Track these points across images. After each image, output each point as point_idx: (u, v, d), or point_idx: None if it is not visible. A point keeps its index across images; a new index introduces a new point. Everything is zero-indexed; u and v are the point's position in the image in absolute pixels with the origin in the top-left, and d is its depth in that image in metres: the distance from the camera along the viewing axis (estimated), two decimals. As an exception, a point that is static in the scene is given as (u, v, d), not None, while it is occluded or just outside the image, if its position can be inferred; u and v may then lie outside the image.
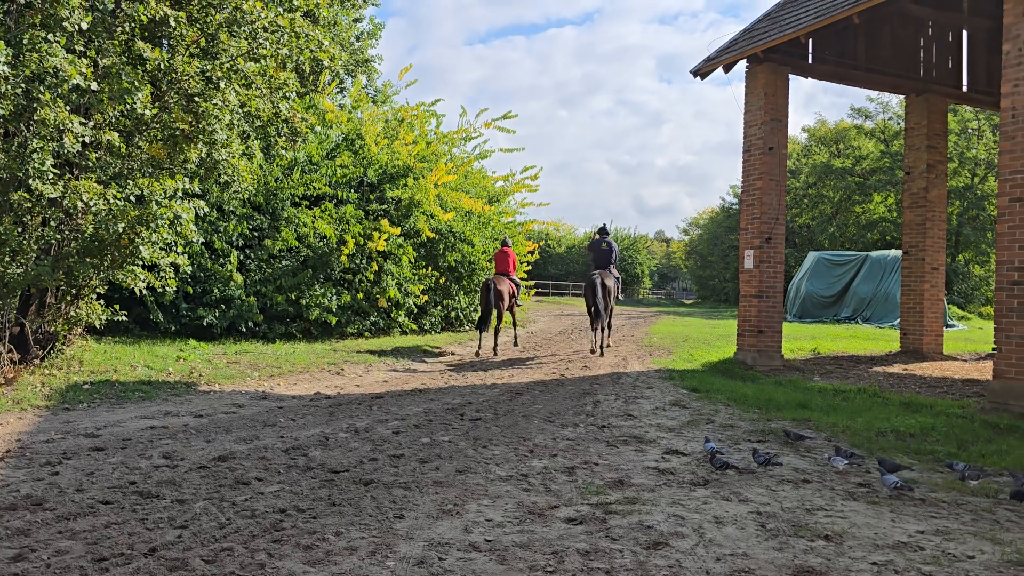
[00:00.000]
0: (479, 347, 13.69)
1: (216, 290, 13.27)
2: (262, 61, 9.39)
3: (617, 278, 14.36)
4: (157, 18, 8.32)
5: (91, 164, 8.70)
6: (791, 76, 12.05)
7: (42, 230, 8.54)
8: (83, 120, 7.95)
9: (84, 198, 8.13)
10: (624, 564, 3.68)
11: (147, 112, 8.34)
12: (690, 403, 8.59)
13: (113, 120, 8.58)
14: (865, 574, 3.60)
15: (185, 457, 5.67)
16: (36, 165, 7.58)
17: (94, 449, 5.88)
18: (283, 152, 11.25)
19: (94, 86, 7.73)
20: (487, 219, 18.72)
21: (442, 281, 17.40)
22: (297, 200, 14.98)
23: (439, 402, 8.47)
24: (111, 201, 8.43)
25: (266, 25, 9.17)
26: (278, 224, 14.44)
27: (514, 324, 15.53)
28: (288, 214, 14.48)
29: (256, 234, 14.31)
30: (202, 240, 13.10)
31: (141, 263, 9.36)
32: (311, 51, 9.80)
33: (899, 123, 37.00)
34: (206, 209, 10.13)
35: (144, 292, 10.78)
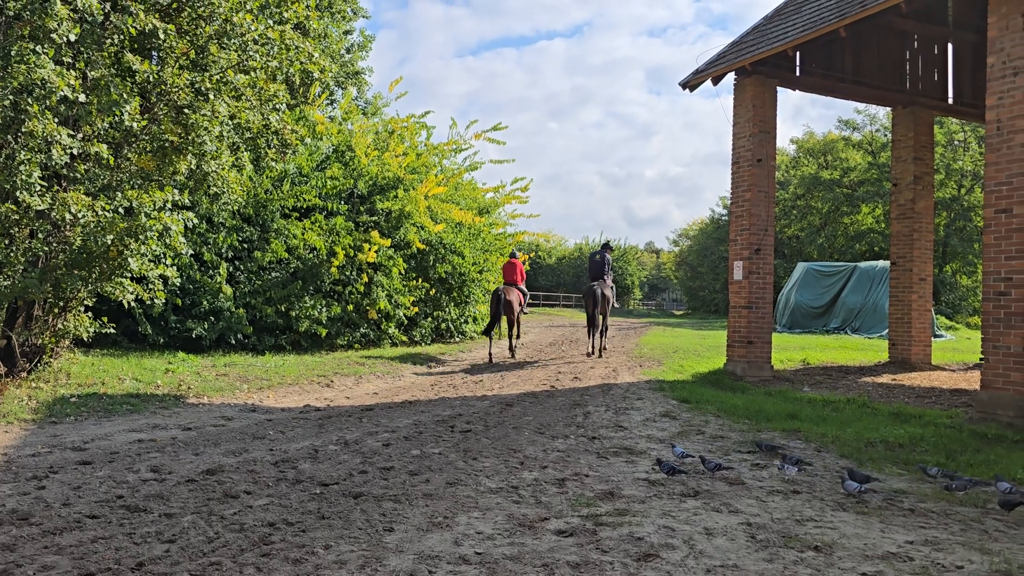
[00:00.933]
0: (490, 352, 14.70)
1: (205, 302, 13.21)
2: (252, 73, 9.39)
3: (612, 287, 15.64)
4: (146, 30, 8.31)
5: (80, 176, 8.67)
6: (779, 88, 12.15)
7: (30, 242, 8.49)
8: (71, 132, 7.92)
9: (72, 210, 8.09)
10: (615, 576, 3.67)
11: (136, 124, 8.32)
12: (680, 414, 8.60)
13: (102, 132, 8.55)
14: (855, 585, 3.60)
15: (173, 471, 5.63)
16: (24, 177, 7.54)
17: (81, 463, 5.83)
18: (273, 164, 11.22)
19: (82, 98, 7.71)
20: (477, 230, 18.74)
21: (432, 293, 17.40)
22: (287, 212, 14.95)
23: (429, 414, 8.45)
24: (99, 213, 8.40)
25: (256, 37, 9.18)
26: (268, 236, 14.41)
27: (517, 335, 15.86)
28: (278, 226, 14.45)
29: (246, 246, 14.27)
30: (191, 252, 13.05)
31: (130, 275, 9.32)
32: (301, 63, 9.81)
33: (886, 135, 37.30)
34: (195, 221, 10.10)
35: (133, 304, 10.72)
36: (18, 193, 7.64)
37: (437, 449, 6.52)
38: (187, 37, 8.95)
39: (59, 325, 9.28)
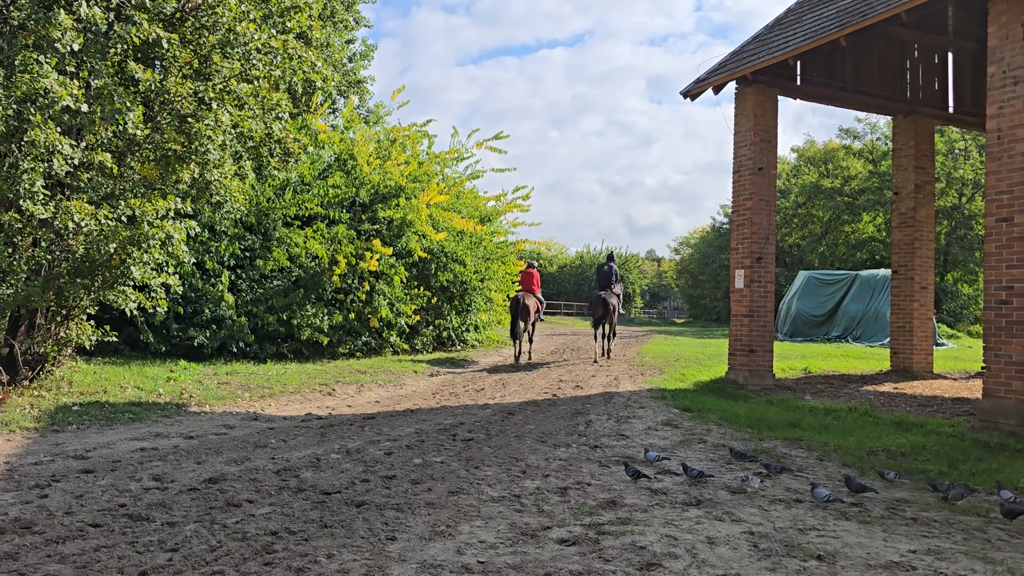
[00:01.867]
0: (517, 353, 15.75)
1: (207, 310, 13.22)
2: (255, 82, 9.44)
3: (618, 295, 16.38)
4: (150, 40, 8.35)
5: (83, 184, 8.70)
6: (780, 97, 12.17)
7: (33, 251, 8.51)
8: (73, 142, 7.95)
9: (75, 218, 8.12)
10: (617, 585, 3.67)
11: (139, 133, 8.36)
12: (682, 423, 8.59)
13: (105, 140, 8.59)
14: (858, 594, 3.60)
15: (175, 479, 5.63)
16: (27, 186, 7.57)
17: (83, 471, 5.84)
18: (275, 172, 11.25)
19: (85, 107, 7.74)
20: (479, 239, 18.75)
21: (434, 301, 17.40)
22: (289, 220, 14.98)
23: (431, 423, 8.45)
24: (102, 221, 8.42)
25: (259, 47, 9.22)
26: (270, 244, 14.43)
27: (530, 339, 16.53)
28: (280, 234, 14.48)
29: (248, 254, 14.30)
30: (193, 260, 13.08)
31: (132, 283, 9.34)
32: (304, 72, 9.86)
33: (887, 144, 37.34)
34: (198, 229, 10.13)
35: (135, 313, 10.73)
36: (21, 202, 7.67)
37: (439, 458, 6.52)
38: (191, 47, 8.99)
39: (62, 333, 9.29)
